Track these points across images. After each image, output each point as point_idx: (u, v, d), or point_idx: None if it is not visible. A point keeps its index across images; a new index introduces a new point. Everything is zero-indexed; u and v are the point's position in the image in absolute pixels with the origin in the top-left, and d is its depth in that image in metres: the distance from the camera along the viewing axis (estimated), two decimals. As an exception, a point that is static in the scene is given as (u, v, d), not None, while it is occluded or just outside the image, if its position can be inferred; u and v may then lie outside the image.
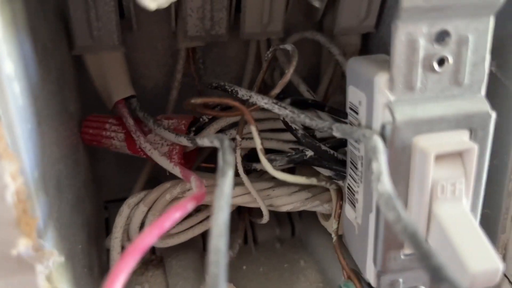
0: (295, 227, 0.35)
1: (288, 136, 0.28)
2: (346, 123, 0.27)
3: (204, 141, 0.23)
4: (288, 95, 0.29)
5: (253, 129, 0.24)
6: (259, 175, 0.30)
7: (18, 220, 0.17)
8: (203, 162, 0.32)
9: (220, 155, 0.18)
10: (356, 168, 0.23)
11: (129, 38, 0.31)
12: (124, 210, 0.26)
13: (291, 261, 0.33)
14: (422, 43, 0.18)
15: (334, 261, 0.31)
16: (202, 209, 0.30)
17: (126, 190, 0.35)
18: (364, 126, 0.21)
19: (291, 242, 0.34)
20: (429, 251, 0.14)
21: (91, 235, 0.28)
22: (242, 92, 0.25)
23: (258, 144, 0.24)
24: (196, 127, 0.28)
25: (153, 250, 0.33)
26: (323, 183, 0.26)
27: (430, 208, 0.19)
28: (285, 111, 0.23)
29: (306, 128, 0.28)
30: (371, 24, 0.33)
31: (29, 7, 0.20)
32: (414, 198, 0.20)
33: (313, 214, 0.32)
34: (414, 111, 0.19)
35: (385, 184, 0.16)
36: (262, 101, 0.24)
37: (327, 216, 0.30)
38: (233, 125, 0.29)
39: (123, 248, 0.27)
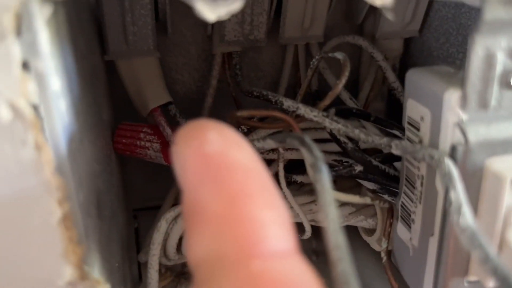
0: (331, 239, 0.33)
1: (331, 147, 0.27)
2: (394, 135, 0.25)
3: (267, 143, 0.21)
4: (331, 104, 0.27)
5: (302, 143, 0.22)
6: (298, 187, 0.29)
7: (64, 249, 0.16)
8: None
9: (306, 152, 0.17)
10: (413, 187, 0.21)
11: (162, 42, 0.30)
12: (162, 225, 0.25)
13: (329, 275, 0.31)
14: (500, 58, 0.17)
15: (378, 278, 0.29)
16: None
17: (155, 198, 0.34)
18: (427, 144, 0.19)
19: (326, 256, 0.33)
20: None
21: (124, 249, 0.27)
22: (288, 103, 0.23)
23: (307, 158, 0.22)
24: (235, 137, 0.27)
25: (184, 262, 0.31)
26: (376, 202, 0.24)
27: (503, 235, 0.18)
28: (337, 125, 0.21)
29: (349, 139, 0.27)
30: (415, 29, 0.31)
31: (69, 17, 0.19)
32: (485, 224, 0.18)
33: (351, 226, 0.31)
34: (488, 131, 0.17)
35: (467, 218, 0.14)
36: (311, 114, 0.22)
37: (370, 231, 0.28)
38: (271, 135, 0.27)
39: (160, 264, 0.26)
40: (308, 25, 0.29)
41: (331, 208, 0.15)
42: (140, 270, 0.30)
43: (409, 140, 0.21)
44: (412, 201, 0.22)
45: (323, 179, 0.16)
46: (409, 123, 0.21)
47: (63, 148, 0.15)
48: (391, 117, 0.33)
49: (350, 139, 0.26)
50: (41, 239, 0.15)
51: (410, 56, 0.33)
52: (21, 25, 0.13)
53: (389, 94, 0.34)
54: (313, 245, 0.33)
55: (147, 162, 0.29)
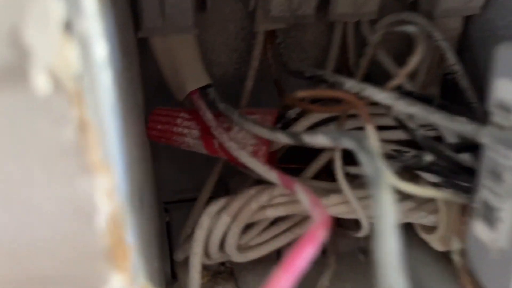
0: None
1: (391, 134, 0.24)
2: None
3: (318, 139, 0.18)
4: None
5: (370, 128, 0.20)
6: (351, 179, 0.26)
7: (112, 251, 0.13)
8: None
9: (364, 159, 0.14)
10: (499, 180, 0.18)
11: (198, 20, 0.27)
12: (205, 221, 0.22)
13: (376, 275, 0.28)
14: None
15: (438, 280, 0.27)
16: (282, 220, 0.26)
17: (187, 191, 0.31)
18: (525, 129, 0.17)
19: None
20: None
21: (159, 246, 0.25)
22: (350, 84, 0.21)
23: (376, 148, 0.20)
24: (282, 123, 0.24)
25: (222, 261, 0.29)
26: (457, 198, 0.21)
27: None
28: (413, 108, 0.18)
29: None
30: (477, 5, 0.28)
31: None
32: None
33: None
34: None
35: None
36: (380, 95, 0.19)
37: (429, 229, 0.26)
38: (325, 122, 0.24)
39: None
40: (363, 0, 0.26)
41: (390, 244, 0.13)
42: (173, 268, 0.28)
43: (498, 125, 0.18)
44: (497, 196, 0.19)
45: (386, 202, 0.13)
46: (499, 106, 0.18)
47: (110, 128, 0.13)
48: (454, 102, 0.30)
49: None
50: (85, 238, 0.12)
51: (469, 37, 0.30)
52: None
53: (443, 79, 0.31)
54: (361, 244, 0.30)
55: (178, 150, 0.27)
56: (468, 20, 0.30)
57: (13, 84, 0.11)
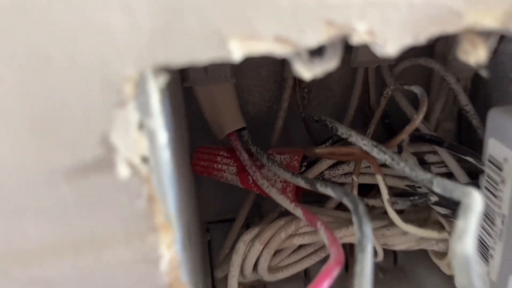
0: (397, 256, 0.34)
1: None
2: (466, 161, 0.26)
3: (328, 191, 0.22)
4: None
5: (379, 178, 0.23)
6: (369, 209, 0.29)
7: (170, 287, 0.17)
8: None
9: (356, 222, 0.18)
10: (493, 224, 0.21)
11: (235, 66, 0.31)
12: (241, 247, 0.26)
13: (395, 292, 0.32)
14: None
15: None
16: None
17: (227, 212, 0.35)
18: (509, 184, 0.20)
19: (394, 272, 0.34)
20: None
21: (202, 265, 0.29)
22: (342, 130, 0.24)
23: (385, 195, 0.23)
24: (308, 162, 0.28)
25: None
26: (442, 219, 0.25)
27: None
28: (384, 156, 0.22)
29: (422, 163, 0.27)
30: (490, 49, 0.30)
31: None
32: None
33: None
34: None
35: (466, 245, 0.14)
36: (361, 142, 0.23)
37: (440, 255, 0.29)
38: (344, 161, 0.28)
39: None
40: (381, 50, 0.29)
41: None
42: (214, 284, 0.32)
43: (490, 178, 0.21)
44: (491, 237, 0.22)
45: (364, 261, 0.16)
46: (490, 162, 0.21)
47: (169, 196, 0.17)
48: (461, 137, 0.33)
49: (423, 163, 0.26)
50: (152, 279, 0.17)
51: (482, 77, 0.32)
52: (138, 92, 0.15)
53: (458, 114, 0.33)
54: (380, 263, 0.34)
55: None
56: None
57: (103, 171, 0.15)
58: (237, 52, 0.14)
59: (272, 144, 0.31)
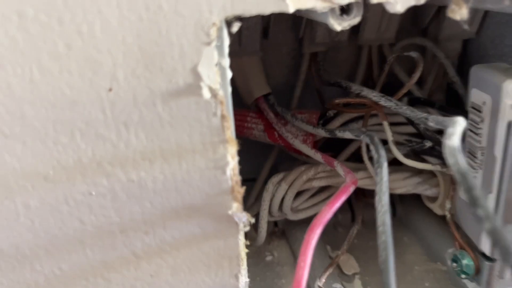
0: (396, 209, 0.40)
1: (403, 129, 0.33)
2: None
3: (346, 134, 0.28)
4: (404, 94, 0.33)
5: (385, 124, 0.29)
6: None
7: (232, 189, 0.23)
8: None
9: (373, 149, 0.24)
10: (475, 157, 0.27)
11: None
12: (270, 187, 0.32)
13: (395, 237, 0.37)
14: (547, 56, 0.23)
15: (437, 238, 0.35)
16: (323, 190, 0.35)
17: (248, 173, 0.41)
18: (488, 122, 0.25)
19: (394, 222, 0.39)
20: (476, 188, 0.18)
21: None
22: (355, 87, 0.30)
23: (389, 136, 0.29)
24: (323, 120, 0.34)
25: (275, 224, 0.38)
26: (444, 170, 0.30)
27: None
28: (390, 103, 0.27)
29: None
30: (473, 31, 0.37)
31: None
32: (533, 182, 0.24)
33: (412, 197, 0.37)
34: (537, 111, 0.23)
35: (453, 141, 0.20)
36: (371, 94, 0.28)
37: (432, 199, 0.34)
38: (353, 120, 0.34)
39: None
40: (384, 29, 0.35)
41: (385, 196, 0.21)
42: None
43: (472, 120, 0.27)
44: (474, 169, 0.28)
45: (383, 172, 0.22)
46: (472, 107, 0.27)
47: (232, 118, 0.22)
48: (450, 106, 0.38)
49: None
50: (221, 181, 0.22)
51: (467, 55, 0.38)
52: (217, 36, 0.20)
53: (447, 87, 0.39)
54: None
55: (241, 141, 0.36)
56: (467, 42, 0.38)
57: (191, 94, 0.21)
58: (291, 6, 0.20)
59: (292, 108, 0.37)
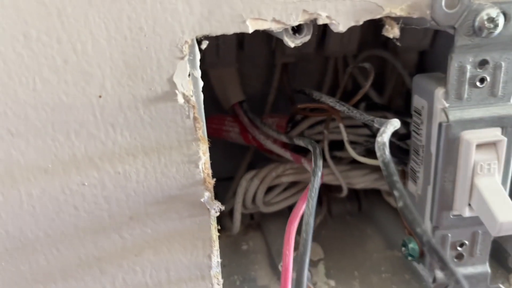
0: (361, 204, 0.44)
1: (362, 131, 0.37)
2: (405, 121, 0.36)
3: (300, 142, 0.32)
4: (363, 99, 0.38)
5: (341, 126, 0.33)
6: (338, 161, 0.39)
7: (204, 180, 0.27)
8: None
9: (313, 159, 0.28)
10: (418, 154, 0.31)
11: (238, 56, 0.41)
12: (243, 182, 0.36)
13: (359, 229, 0.42)
14: (469, 68, 0.27)
15: (395, 229, 0.39)
16: (293, 186, 0.39)
17: (227, 172, 0.45)
18: (426, 124, 0.30)
19: (359, 216, 0.43)
20: (395, 175, 0.22)
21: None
22: (316, 94, 0.34)
23: (345, 136, 0.33)
24: (292, 123, 0.38)
25: (251, 217, 0.42)
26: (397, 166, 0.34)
27: (472, 180, 0.28)
28: (343, 107, 0.32)
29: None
30: (426, 44, 0.41)
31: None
32: (461, 174, 0.28)
33: (376, 193, 0.41)
34: (462, 114, 0.28)
35: (383, 137, 0.24)
36: (328, 100, 0.33)
37: (390, 193, 0.39)
38: (319, 123, 0.38)
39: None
40: (347, 42, 0.39)
41: (313, 201, 0.25)
42: (221, 221, 0.41)
43: (415, 122, 0.31)
44: (417, 164, 0.32)
45: (315, 181, 0.26)
46: (415, 111, 0.31)
47: (203, 121, 0.26)
48: (408, 110, 0.43)
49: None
50: (195, 174, 0.26)
51: (425, 65, 0.43)
52: (190, 52, 0.25)
53: (406, 93, 0.44)
54: (347, 208, 0.43)
55: (221, 143, 0.41)
56: (423, 54, 0.43)
57: (168, 100, 0.25)
58: (251, 27, 0.24)
59: (266, 113, 0.41)
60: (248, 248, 0.39)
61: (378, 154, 0.23)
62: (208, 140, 0.27)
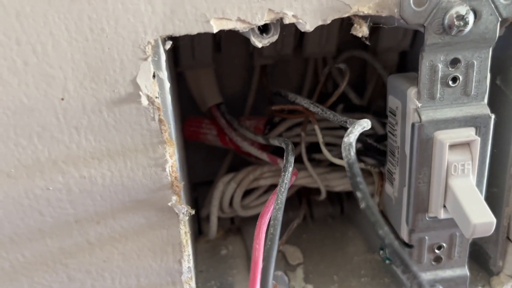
0: (343, 207, 0.43)
1: (340, 133, 0.37)
2: (385, 122, 0.35)
3: (275, 142, 0.31)
4: (342, 101, 0.37)
5: (316, 127, 0.32)
6: (317, 163, 0.39)
7: (171, 184, 0.26)
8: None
9: (285, 155, 0.27)
10: (394, 155, 0.31)
11: (215, 57, 0.41)
12: (220, 185, 0.35)
13: (341, 232, 0.41)
14: (441, 67, 0.26)
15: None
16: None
17: (209, 175, 0.44)
18: (400, 124, 0.29)
19: (341, 218, 0.43)
20: (358, 175, 0.21)
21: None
22: (291, 96, 0.34)
23: (320, 138, 0.33)
24: (270, 125, 0.37)
25: (232, 221, 0.42)
26: (368, 167, 0.34)
27: (446, 181, 0.27)
28: (317, 109, 0.31)
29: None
30: (406, 44, 0.41)
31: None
32: (435, 175, 0.28)
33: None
34: (435, 114, 0.27)
35: (350, 138, 0.23)
36: (303, 102, 0.32)
37: (371, 196, 0.38)
38: (297, 125, 0.37)
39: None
40: (324, 43, 0.39)
41: (283, 196, 0.25)
42: (200, 226, 0.41)
43: (390, 123, 0.31)
44: (393, 166, 0.31)
45: (286, 176, 0.26)
46: (390, 112, 0.31)
47: (171, 124, 0.26)
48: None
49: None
50: (161, 177, 0.26)
51: (405, 66, 0.42)
52: (154, 52, 0.24)
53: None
54: (329, 211, 0.43)
55: (203, 146, 0.40)
56: (403, 54, 0.42)
57: (131, 102, 0.24)
58: (215, 27, 0.24)
59: (245, 115, 0.41)
60: (228, 253, 0.39)
61: (343, 154, 0.23)
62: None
